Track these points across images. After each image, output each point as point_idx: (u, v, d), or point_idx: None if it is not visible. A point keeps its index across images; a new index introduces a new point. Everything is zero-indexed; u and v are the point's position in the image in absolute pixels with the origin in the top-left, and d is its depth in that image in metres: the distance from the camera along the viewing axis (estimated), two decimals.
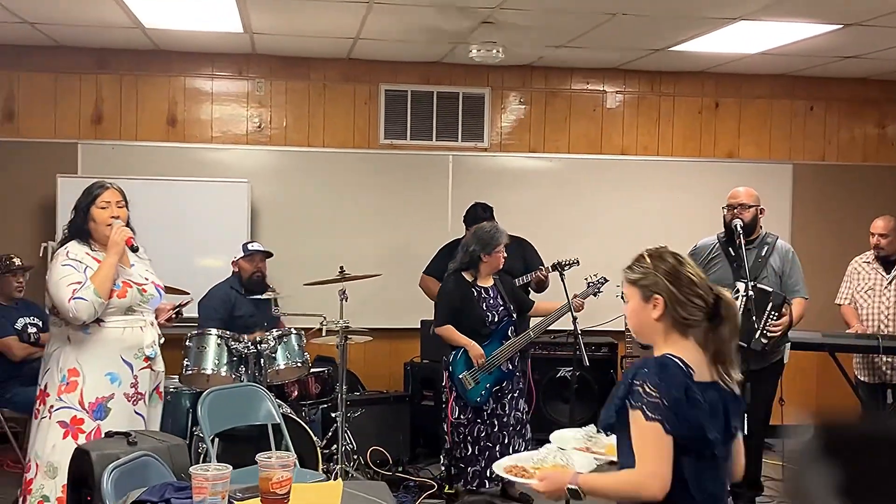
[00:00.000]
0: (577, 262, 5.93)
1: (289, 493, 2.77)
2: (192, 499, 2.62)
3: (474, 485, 5.64)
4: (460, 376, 5.56)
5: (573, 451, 3.01)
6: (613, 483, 2.54)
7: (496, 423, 5.63)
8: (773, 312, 5.26)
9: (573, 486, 2.57)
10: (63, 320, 4.30)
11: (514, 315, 5.75)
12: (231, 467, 2.73)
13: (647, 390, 2.44)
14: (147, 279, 4.53)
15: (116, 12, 5.94)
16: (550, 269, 5.96)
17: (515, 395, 5.72)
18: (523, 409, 5.77)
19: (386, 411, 6.57)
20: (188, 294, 5.07)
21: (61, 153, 6.98)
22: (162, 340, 4.57)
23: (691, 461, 2.48)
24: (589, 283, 5.86)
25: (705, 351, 2.57)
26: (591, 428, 3.09)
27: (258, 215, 7.15)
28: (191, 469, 2.69)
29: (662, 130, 7.73)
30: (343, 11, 5.81)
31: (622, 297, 2.70)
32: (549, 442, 3.17)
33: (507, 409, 5.66)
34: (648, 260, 2.61)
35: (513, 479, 2.91)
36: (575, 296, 5.62)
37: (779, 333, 5.28)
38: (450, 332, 5.63)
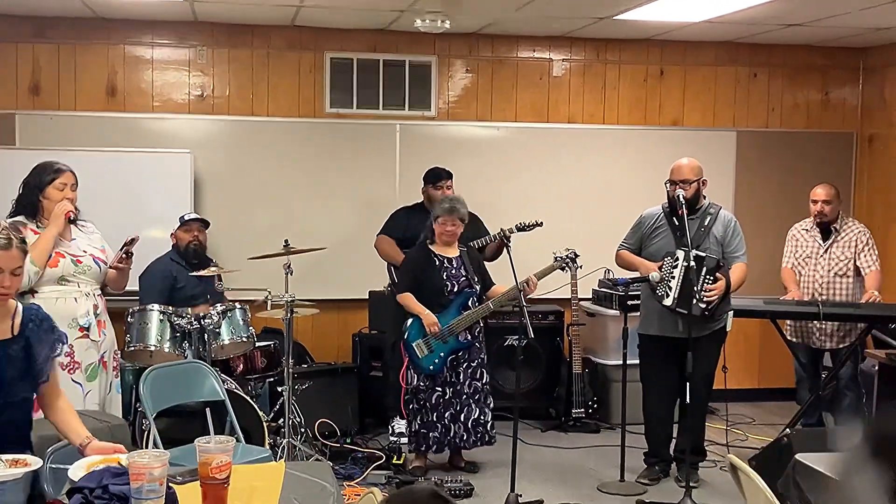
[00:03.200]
0: (541, 223, 6.08)
1: (229, 477, 2.75)
2: (130, 485, 2.60)
3: (434, 449, 5.76)
4: (413, 344, 5.63)
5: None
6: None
7: (449, 391, 5.70)
8: (708, 276, 5.34)
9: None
10: None
11: (477, 288, 5.77)
12: (168, 453, 2.71)
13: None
14: (85, 252, 4.70)
15: None
16: (515, 229, 6.05)
17: (474, 364, 5.77)
18: (483, 379, 5.81)
19: (334, 383, 6.55)
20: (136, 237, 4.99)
21: None
22: (98, 312, 4.72)
23: None
24: (556, 258, 5.78)
25: None
26: None
27: (201, 186, 7.04)
28: (126, 456, 2.67)
29: (608, 98, 7.74)
30: None
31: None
32: None
33: (461, 377, 5.73)
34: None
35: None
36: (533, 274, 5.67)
37: (714, 296, 5.35)
38: (407, 299, 5.71)
